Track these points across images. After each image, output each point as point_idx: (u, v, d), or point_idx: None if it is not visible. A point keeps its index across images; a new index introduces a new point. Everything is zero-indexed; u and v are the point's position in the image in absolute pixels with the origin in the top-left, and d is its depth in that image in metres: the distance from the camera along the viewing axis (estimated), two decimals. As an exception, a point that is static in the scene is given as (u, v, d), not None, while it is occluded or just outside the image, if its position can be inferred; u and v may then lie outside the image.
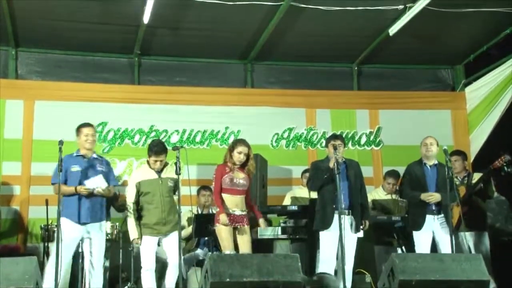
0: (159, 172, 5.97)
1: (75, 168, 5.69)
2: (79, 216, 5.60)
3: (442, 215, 6.03)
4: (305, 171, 7.41)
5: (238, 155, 5.85)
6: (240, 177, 5.86)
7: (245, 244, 5.75)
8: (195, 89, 8.59)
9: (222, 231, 5.71)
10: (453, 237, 5.73)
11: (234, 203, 5.81)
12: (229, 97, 8.62)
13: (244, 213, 5.84)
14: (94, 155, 5.88)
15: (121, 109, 8.25)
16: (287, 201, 7.39)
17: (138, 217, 5.90)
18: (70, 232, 5.54)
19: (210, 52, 8.51)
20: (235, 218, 5.79)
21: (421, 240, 6.09)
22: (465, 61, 9.11)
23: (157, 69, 8.70)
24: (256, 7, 7.06)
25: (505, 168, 6.20)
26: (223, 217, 5.68)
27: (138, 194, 5.94)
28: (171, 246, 5.86)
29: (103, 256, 5.82)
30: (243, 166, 5.91)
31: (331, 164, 5.73)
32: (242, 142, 5.98)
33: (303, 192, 7.32)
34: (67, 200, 5.61)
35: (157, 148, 5.99)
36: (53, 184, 5.73)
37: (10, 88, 7.92)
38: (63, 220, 5.51)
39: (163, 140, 7.92)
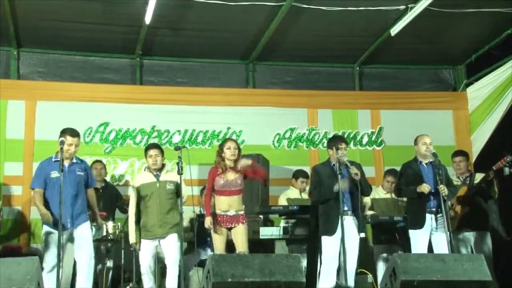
0: (157, 175, 6.01)
1: (55, 174, 5.59)
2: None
3: (441, 214, 5.90)
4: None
5: (228, 151, 5.87)
6: (232, 178, 5.86)
7: (240, 244, 5.75)
8: (197, 90, 8.60)
9: (214, 233, 5.81)
10: (451, 237, 5.70)
11: (228, 203, 5.82)
12: (230, 97, 8.62)
13: (239, 213, 5.85)
14: (73, 160, 5.76)
15: (123, 109, 8.25)
16: (282, 203, 7.37)
17: (138, 221, 5.97)
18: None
19: (211, 52, 8.51)
20: (229, 218, 5.81)
21: (419, 240, 6.01)
22: (466, 61, 9.10)
23: (159, 70, 8.70)
24: (258, 8, 7.07)
25: (508, 169, 6.19)
26: (206, 221, 5.79)
27: (138, 197, 6.00)
28: (169, 247, 5.89)
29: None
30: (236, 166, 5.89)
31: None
32: (228, 139, 6.17)
33: (293, 193, 7.33)
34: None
35: (150, 145, 6.42)
36: (32, 189, 5.73)
37: (12, 88, 7.94)
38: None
39: (165, 141, 8.08)
